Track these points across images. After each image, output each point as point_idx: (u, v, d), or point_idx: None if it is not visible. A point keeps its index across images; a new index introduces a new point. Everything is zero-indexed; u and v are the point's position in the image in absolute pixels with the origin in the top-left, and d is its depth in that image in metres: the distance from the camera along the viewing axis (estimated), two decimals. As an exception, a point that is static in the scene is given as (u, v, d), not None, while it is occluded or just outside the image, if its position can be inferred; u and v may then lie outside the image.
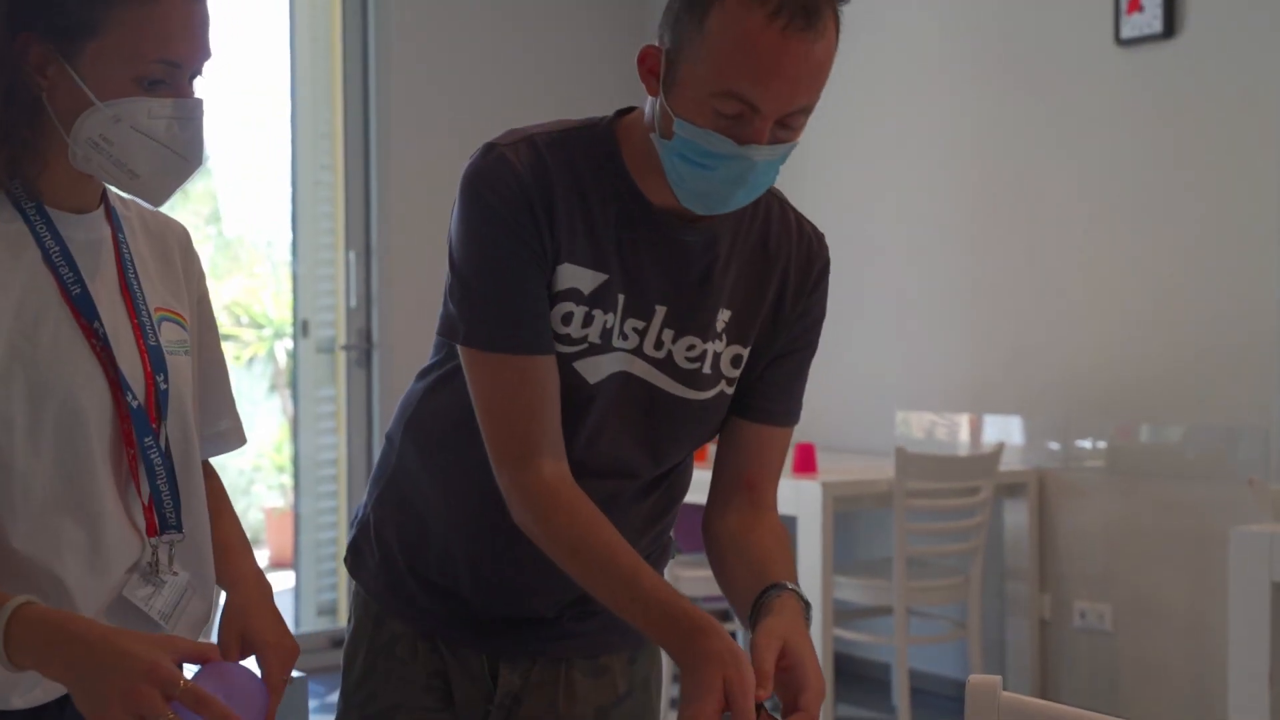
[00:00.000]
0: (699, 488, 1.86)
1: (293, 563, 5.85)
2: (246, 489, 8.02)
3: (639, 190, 1.65)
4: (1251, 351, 4.19)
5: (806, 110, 1.54)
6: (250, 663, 1.55)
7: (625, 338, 1.65)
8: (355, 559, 1.86)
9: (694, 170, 1.56)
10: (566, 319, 1.63)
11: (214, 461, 1.77)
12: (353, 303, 5.51)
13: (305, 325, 5.63)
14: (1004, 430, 4.87)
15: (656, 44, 1.58)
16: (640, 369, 1.67)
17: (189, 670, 1.38)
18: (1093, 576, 4.63)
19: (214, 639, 1.61)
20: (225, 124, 7.60)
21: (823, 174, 5.38)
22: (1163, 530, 4.43)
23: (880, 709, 5.02)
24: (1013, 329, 4.86)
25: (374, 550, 1.83)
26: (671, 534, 1.89)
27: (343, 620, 5.59)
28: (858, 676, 5.25)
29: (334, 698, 4.91)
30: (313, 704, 5.47)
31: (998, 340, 4.90)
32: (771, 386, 1.76)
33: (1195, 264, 4.33)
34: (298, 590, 5.69)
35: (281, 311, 7.95)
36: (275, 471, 8.17)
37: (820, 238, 1.79)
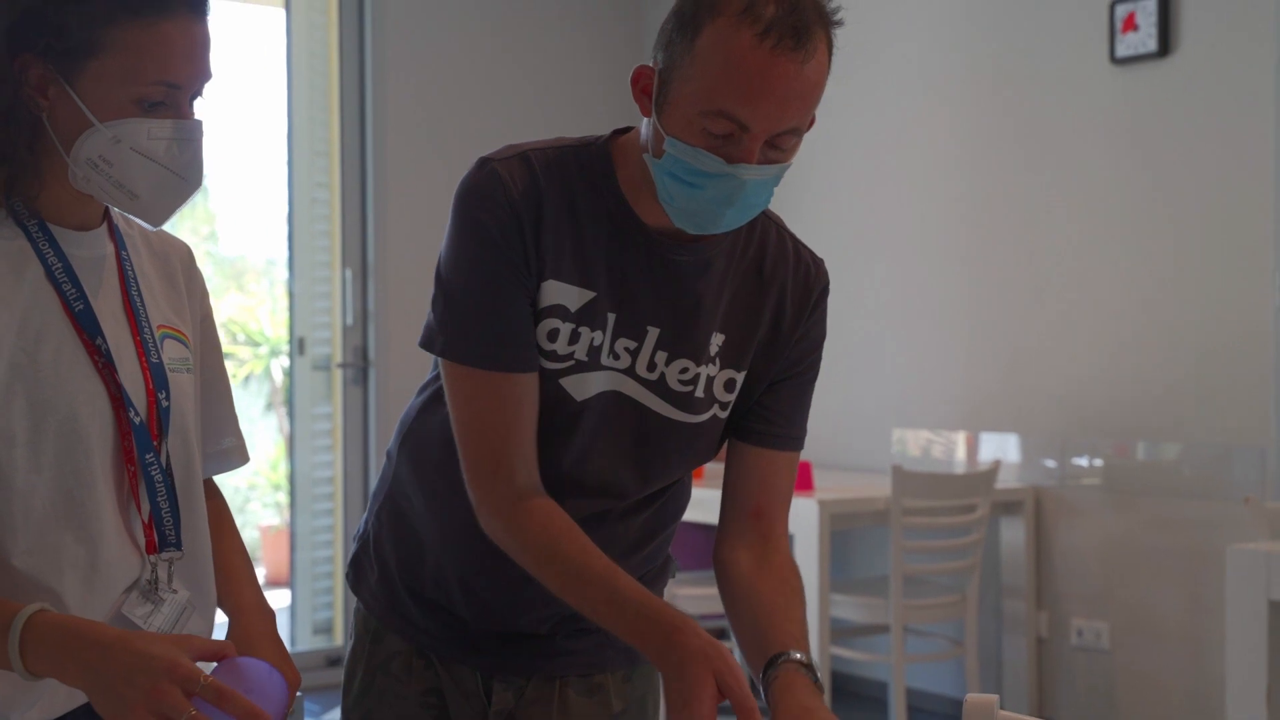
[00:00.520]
0: (696, 505, 1.86)
1: (288, 581, 5.84)
2: (242, 507, 8.02)
3: (632, 210, 1.65)
4: (1248, 370, 4.20)
5: (797, 131, 1.54)
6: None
7: (617, 357, 1.65)
8: (356, 575, 1.86)
9: (684, 189, 1.56)
10: (553, 335, 1.63)
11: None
12: (349, 320, 5.51)
13: (301, 343, 5.62)
14: (1000, 448, 4.87)
15: (650, 64, 1.58)
16: (632, 389, 1.66)
17: (205, 668, 1.38)
18: (1090, 594, 4.63)
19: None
20: (222, 142, 7.61)
21: (819, 193, 5.39)
22: (1159, 548, 4.43)
23: (877, 727, 5.01)
24: (1009, 347, 4.86)
25: (373, 566, 1.83)
26: (670, 553, 1.88)
27: (338, 639, 5.57)
28: (854, 695, 5.24)
29: (330, 716, 4.90)
30: (308, 723, 5.44)
31: (994, 358, 4.91)
32: (775, 411, 1.75)
33: (1191, 282, 4.34)
34: (293, 608, 5.68)
35: (278, 329, 7.96)
36: (271, 489, 8.17)
37: (819, 263, 1.78)
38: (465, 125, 5.65)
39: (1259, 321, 4.17)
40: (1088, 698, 4.63)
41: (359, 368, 5.53)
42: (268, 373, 8.23)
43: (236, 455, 1.75)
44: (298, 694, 1.47)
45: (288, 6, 5.65)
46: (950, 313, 5.05)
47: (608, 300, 1.64)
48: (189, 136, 1.50)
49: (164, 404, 1.55)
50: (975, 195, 4.96)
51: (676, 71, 1.53)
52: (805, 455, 4.83)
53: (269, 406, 8.29)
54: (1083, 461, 4.65)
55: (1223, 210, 4.26)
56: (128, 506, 1.53)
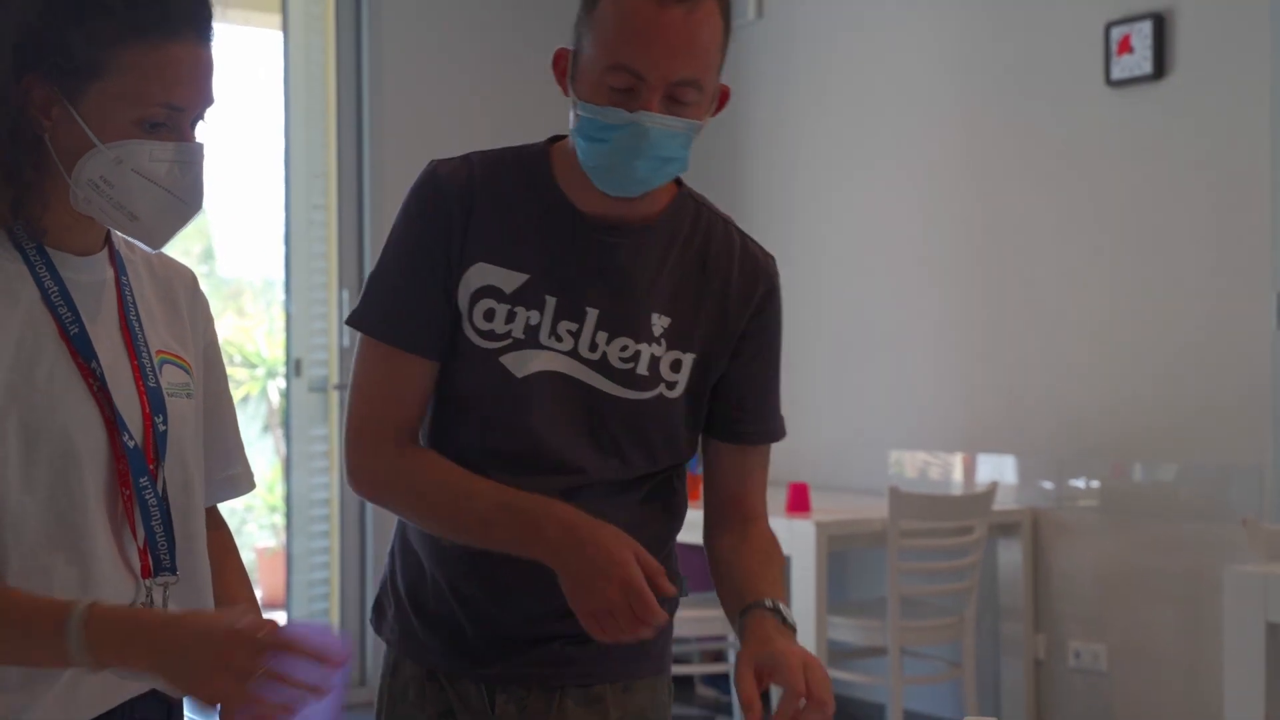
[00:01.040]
0: (693, 527, 1.88)
1: (284, 603, 5.82)
2: (239, 529, 8.00)
3: (567, 198, 1.77)
4: (1245, 391, 4.20)
5: (695, 85, 1.65)
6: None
7: (560, 339, 1.74)
8: (377, 616, 1.92)
9: (595, 146, 1.67)
10: (489, 315, 1.74)
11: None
12: (346, 342, 5.51)
13: (298, 364, 5.62)
14: (997, 470, 4.87)
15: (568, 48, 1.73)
16: (576, 369, 1.75)
17: None
18: (1087, 616, 4.62)
19: None
20: (219, 164, 7.62)
21: (816, 216, 5.40)
22: (1157, 570, 4.42)
23: (875, 750, 5.00)
24: (1006, 368, 4.86)
25: (390, 600, 1.89)
26: (681, 575, 1.91)
27: (334, 661, 5.56)
28: (852, 717, 5.22)
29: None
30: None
31: (991, 380, 4.91)
32: (742, 409, 1.85)
33: (1187, 304, 4.35)
34: (289, 631, 5.66)
35: (274, 350, 7.96)
36: (267, 511, 8.15)
37: (768, 258, 1.87)
38: (462, 147, 5.64)
39: (1256, 343, 4.18)
40: (1086, 720, 4.62)
41: (355, 389, 5.52)
42: (264, 394, 8.22)
43: (244, 482, 1.75)
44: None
45: (285, 29, 5.66)
46: (947, 334, 5.05)
47: (544, 284, 1.74)
48: (190, 159, 1.50)
49: (160, 428, 1.55)
50: (972, 217, 4.97)
51: (583, 43, 1.68)
52: (802, 476, 4.86)
53: (265, 428, 8.28)
54: (1080, 483, 4.64)
55: (1219, 232, 4.27)
56: (121, 530, 1.52)
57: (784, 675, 1.59)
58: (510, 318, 1.73)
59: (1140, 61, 4.41)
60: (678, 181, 1.85)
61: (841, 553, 5.11)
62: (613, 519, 1.72)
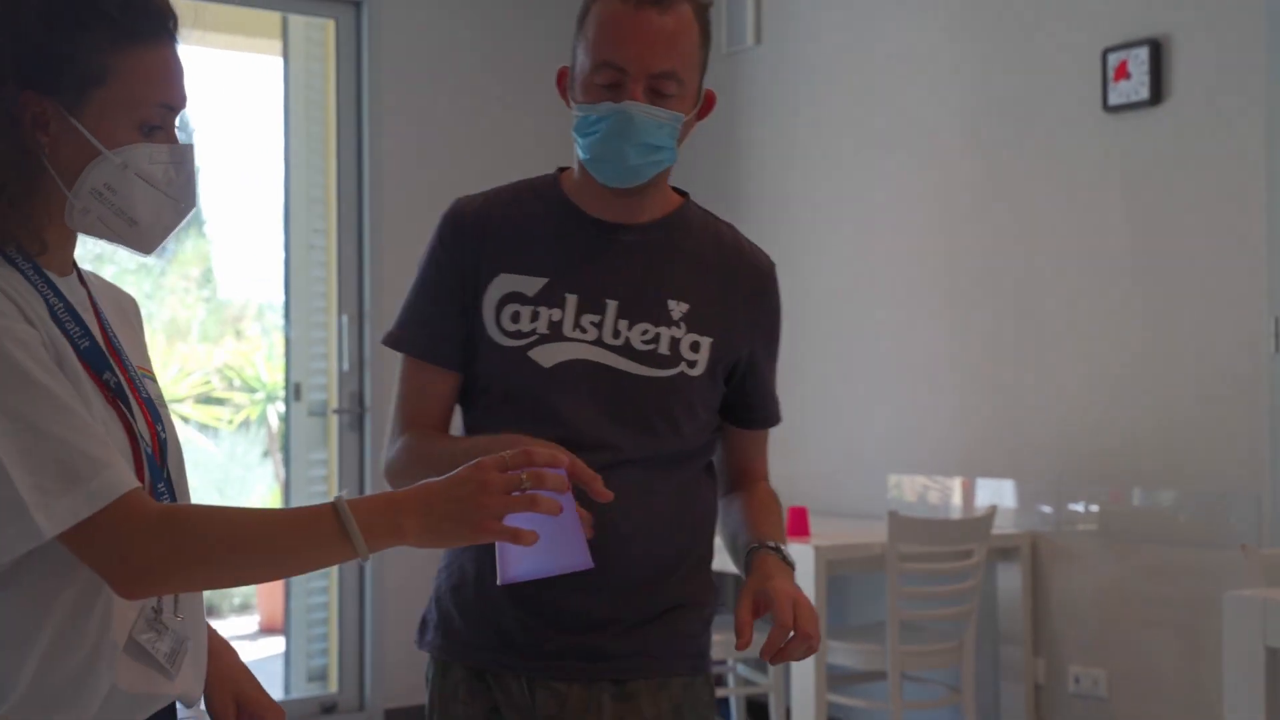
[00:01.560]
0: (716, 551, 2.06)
1: (283, 628, 5.82)
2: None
3: (578, 207, 1.98)
4: (1243, 416, 4.20)
5: (673, 77, 1.87)
6: None
7: (584, 330, 1.93)
8: (420, 632, 2.05)
9: (589, 140, 1.89)
10: (515, 317, 1.94)
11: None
12: (345, 366, 5.52)
13: (298, 389, 5.63)
14: (996, 493, 4.87)
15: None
16: (601, 356, 1.93)
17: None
18: (1087, 641, 4.61)
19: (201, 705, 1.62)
20: (219, 188, 7.64)
21: (814, 241, 5.41)
22: (1156, 594, 4.42)
23: (874, 775, 4.98)
24: (1004, 392, 4.87)
25: (434, 612, 2.03)
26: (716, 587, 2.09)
27: (333, 686, 5.54)
28: (851, 742, 5.21)
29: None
30: (302, 771, 5.43)
31: (989, 404, 4.91)
32: (752, 399, 2.09)
33: (1184, 328, 4.35)
34: (288, 655, 5.65)
35: (274, 375, 7.95)
36: (266, 535, 8.12)
37: (765, 254, 2.10)
38: (461, 172, 5.67)
39: (1253, 367, 4.18)
40: (1086, 745, 4.60)
41: (355, 414, 5.53)
42: (264, 419, 8.22)
43: None
44: None
45: (285, 55, 5.69)
46: (945, 359, 5.06)
47: (563, 284, 1.94)
48: (183, 159, 1.53)
49: (162, 436, 1.58)
50: (969, 241, 4.98)
51: (575, 55, 1.92)
52: (801, 500, 4.86)
53: (265, 453, 8.27)
54: (1079, 507, 4.64)
55: (1215, 257, 4.28)
56: None
57: (775, 610, 1.78)
58: (534, 317, 1.93)
59: (1137, 87, 4.42)
60: (684, 195, 2.06)
61: (841, 577, 5.10)
62: (659, 493, 1.94)
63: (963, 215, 5.00)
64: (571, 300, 1.93)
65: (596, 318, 1.93)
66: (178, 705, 1.59)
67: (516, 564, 1.52)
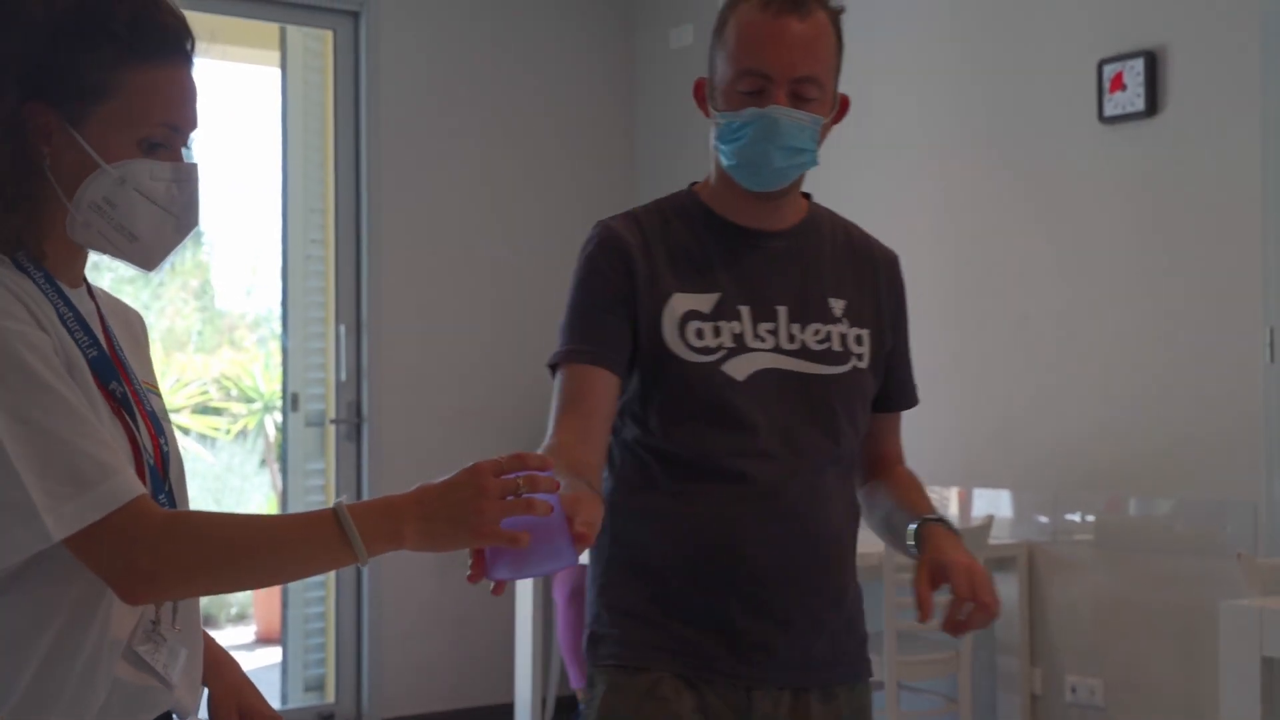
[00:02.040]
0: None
1: (280, 638, 5.81)
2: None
3: (726, 220, 2.03)
4: (1239, 426, 4.21)
5: (814, 81, 1.93)
6: None
7: (762, 340, 2.00)
8: (591, 647, 2.06)
9: (734, 145, 1.94)
10: (699, 334, 1.98)
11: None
12: (343, 376, 5.52)
13: (295, 399, 5.62)
14: (993, 504, 4.87)
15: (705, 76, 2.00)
16: (783, 362, 2.00)
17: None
18: (1083, 651, 4.61)
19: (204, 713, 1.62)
20: (217, 199, 7.64)
21: (811, 249, 5.42)
22: (1152, 604, 4.42)
23: (871, 786, 4.97)
24: (1000, 403, 4.87)
25: (618, 625, 2.02)
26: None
27: (330, 696, 5.52)
28: (848, 753, 5.21)
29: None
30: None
31: (986, 414, 4.92)
32: (892, 382, 2.21)
33: (1180, 338, 4.36)
34: (284, 666, 5.64)
35: (271, 385, 7.95)
36: (263, 545, 8.12)
37: (888, 246, 2.23)
38: (458, 184, 5.68)
39: (1248, 377, 4.19)
40: (1082, 755, 4.60)
41: (352, 424, 5.52)
42: (261, 429, 8.22)
43: None
44: None
45: (284, 66, 5.70)
46: (941, 369, 5.06)
47: (735, 298, 2.00)
48: (187, 178, 1.54)
49: (165, 448, 1.58)
50: (965, 253, 4.99)
51: (715, 65, 1.97)
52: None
53: (262, 463, 8.27)
54: (1075, 517, 4.65)
55: (1211, 267, 4.29)
56: None
57: (953, 582, 1.87)
58: (716, 332, 1.98)
59: (1133, 98, 4.43)
60: (808, 197, 2.14)
61: (837, 587, 5.09)
62: (836, 495, 2.04)
63: (959, 226, 5.01)
64: (745, 311, 2.00)
65: (771, 325, 2.01)
66: (174, 716, 1.59)
67: (506, 564, 1.52)
